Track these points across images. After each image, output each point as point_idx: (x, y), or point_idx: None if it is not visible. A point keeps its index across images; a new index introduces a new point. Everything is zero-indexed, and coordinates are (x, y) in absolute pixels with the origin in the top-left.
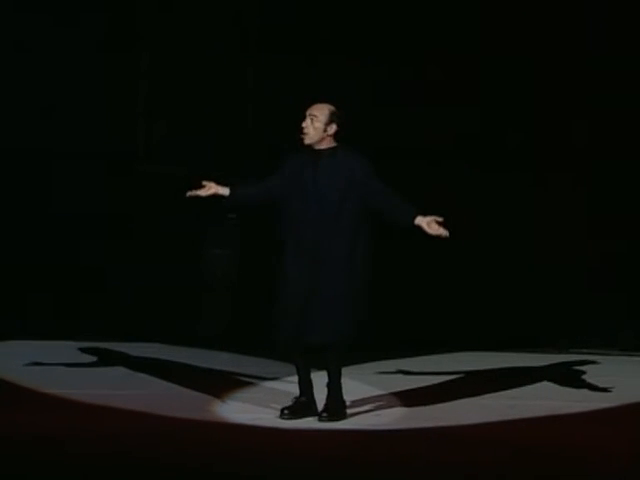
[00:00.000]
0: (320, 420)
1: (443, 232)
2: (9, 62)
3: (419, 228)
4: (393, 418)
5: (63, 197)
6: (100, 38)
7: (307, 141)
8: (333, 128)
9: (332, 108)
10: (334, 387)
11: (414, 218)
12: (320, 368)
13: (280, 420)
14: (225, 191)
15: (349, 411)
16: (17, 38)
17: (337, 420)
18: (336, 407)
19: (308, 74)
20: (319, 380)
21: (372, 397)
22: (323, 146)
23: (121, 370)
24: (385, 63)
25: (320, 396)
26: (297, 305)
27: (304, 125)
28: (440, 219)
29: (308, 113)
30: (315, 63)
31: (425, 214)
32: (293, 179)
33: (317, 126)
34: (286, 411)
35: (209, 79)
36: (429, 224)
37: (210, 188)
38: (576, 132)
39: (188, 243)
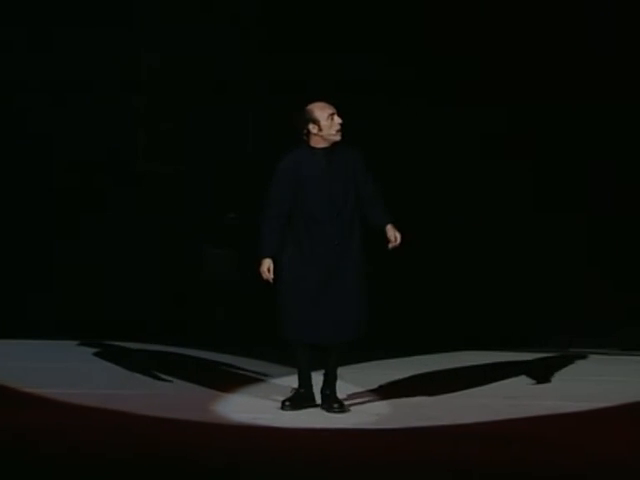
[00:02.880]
0: (332, 411)
1: (391, 244)
2: (6, 61)
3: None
4: (392, 417)
5: (63, 197)
6: (101, 38)
7: (339, 138)
8: None
9: None
10: (333, 382)
11: (386, 224)
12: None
13: (280, 420)
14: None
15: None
16: (15, 38)
17: (346, 412)
18: (340, 400)
19: (309, 74)
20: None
21: (371, 396)
22: (326, 144)
23: (121, 370)
24: (387, 62)
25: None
26: (312, 303)
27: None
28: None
29: (335, 112)
30: (316, 62)
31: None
32: (295, 183)
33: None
34: (287, 403)
35: (209, 79)
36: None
37: (269, 268)
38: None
39: (188, 243)
